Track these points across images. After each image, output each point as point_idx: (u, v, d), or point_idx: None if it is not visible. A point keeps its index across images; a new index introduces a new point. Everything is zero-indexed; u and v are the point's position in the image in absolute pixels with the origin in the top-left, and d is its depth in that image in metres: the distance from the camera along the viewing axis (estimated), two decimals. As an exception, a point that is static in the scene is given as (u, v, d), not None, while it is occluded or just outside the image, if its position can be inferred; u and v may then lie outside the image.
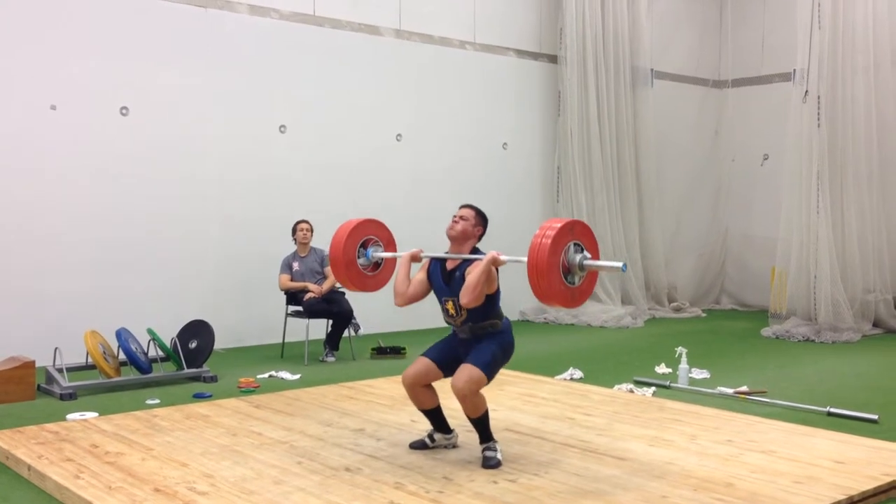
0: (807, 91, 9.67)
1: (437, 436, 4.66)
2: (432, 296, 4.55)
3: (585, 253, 4.07)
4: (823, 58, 9.58)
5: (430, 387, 4.52)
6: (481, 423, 4.37)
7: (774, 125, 11.37)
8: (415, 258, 4.58)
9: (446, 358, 4.45)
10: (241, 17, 8.44)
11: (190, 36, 8.14)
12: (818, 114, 9.59)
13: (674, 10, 12.22)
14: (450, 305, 4.37)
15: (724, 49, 12.69)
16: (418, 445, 4.65)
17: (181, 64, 8.10)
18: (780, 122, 10.79)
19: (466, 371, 4.22)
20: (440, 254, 4.49)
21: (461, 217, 4.43)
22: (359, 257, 4.90)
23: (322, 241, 8.03)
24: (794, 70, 9.93)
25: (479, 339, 4.38)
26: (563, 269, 3.99)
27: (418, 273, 4.54)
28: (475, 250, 4.43)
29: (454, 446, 4.68)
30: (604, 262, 4.08)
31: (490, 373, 4.29)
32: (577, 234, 4.07)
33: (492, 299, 4.35)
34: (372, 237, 4.96)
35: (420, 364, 4.47)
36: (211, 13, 8.24)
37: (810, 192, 9.63)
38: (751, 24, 12.38)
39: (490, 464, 4.31)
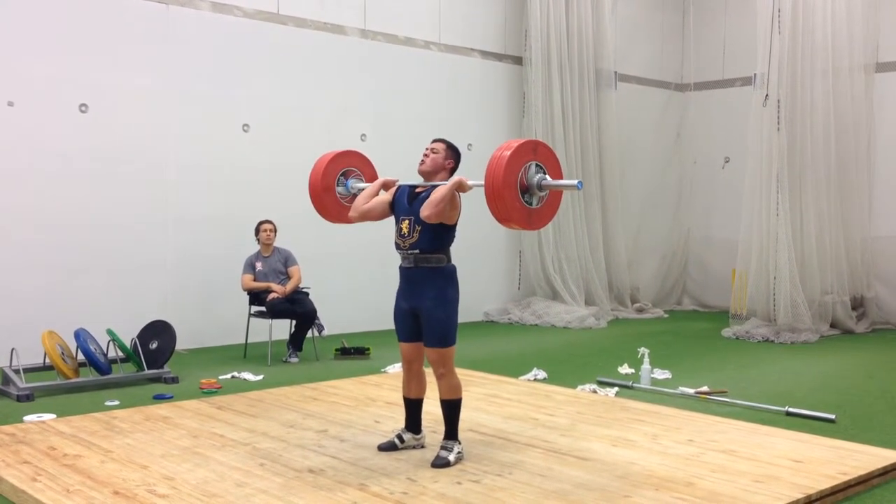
0: (767, 95, 9.81)
1: (406, 436, 4.66)
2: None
3: (546, 175, 4.06)
4: (783, 62, 9.73)
5: (423, 375, 4.59)
6: (451, 412, 4.40)
7: (735, 128, 11.52)
8: (387, 186, 4.61)
9: (411, 328, 4.47)
10: (203, 15, 8.35)
11: (151, 33, 8.04)
12: (778, 117, 9.73)
13: (637, 14, 12.32)
14: (405, 224, 4.38)
15: (686, 53, 12.83)
16: (387, 447, 4.64)
17: (142, 61, 8.00)
18: (740, 125, 10.93)
19: (431, 355, 4.36)
20: (414, 182, 4.50)
21: (431, 150, 4.47)
22: (339, 186, 4.87)
23: (285, 241, 8.00)
24: (755, 74, 10.07)
25: (421, 277, 4.37)
26: (521, 188, 3.98)
27: (383, 195, 4.57)
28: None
29: (422, 447, 4.67)
30: (559, 181, 4.07)
31: (450, 341, 4.36)
32: (540, 155, 4.04)
33: (446, 232, 4.38)
34: (354, 169, 4.93)
35: (404, 350, 4.54)
36: (173, 10, 8.15)
37: (770, 195, 9.76)
38: (712, 28, 12.54)
39: (438, 463, 4.33)
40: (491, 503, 3.81)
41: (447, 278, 4.40)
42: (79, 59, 7.63)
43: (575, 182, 4.04)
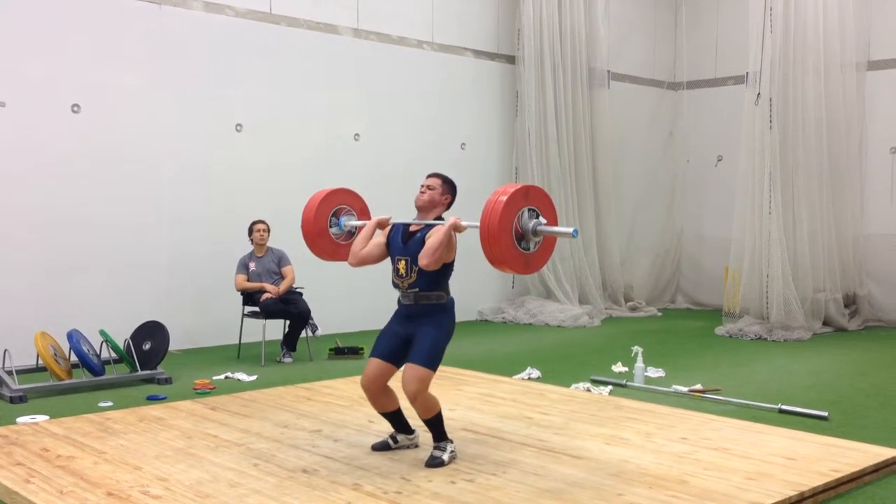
0: (759, 93, 9.83)
1: (399, 437, 4.66)
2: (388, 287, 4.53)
3: (541, 219, 4.06)
4: (775, 61, 9.75)
5: (388, 390, 4.49)
6: (434, 425, 4.38)
7: (728, 127, 11.54)
8: (382, 224, 4.60)
9: (393, 349, 4.42)
10: (195, 14, 8.33)
11: (144, 33, 8.02)
12: (770, 116, 9.75)
13: (629, 13, 12.33)
14: (401, 265, 4.37)
15: (678, 52, 12.84)
16: (380, 447, 4.64)
17: (134, 61, 7.98)
18: (733, 123, 10.95)
19: (410, 371, 4.24)
20: (407, 220, 4.51)
21: (428, 186, 4.46)
22: (331, 226, 4.89)
23: (279, 241, 7.99)
24: (747, 73, 10.08)
25: (421, 312, 4.36)
26: (516, 234, 3.99)
27: (378, 237, 4.55)
28: (440, 218, 4.43)
29: (416, 446, 4.68)
30: (555, 228, 4.07)
31: (434, 364, 4.29)
32: (532, 199, 4.04)
33: (444, 270, 4.36)
34: (344, 206, 4.96)
35: (372, 366, 4.43)
36: (165, 10, 8.13)
37: (762, 193, 9.78)
38: (705, 27, 12.56)
39: (433, 462, 4.33)
40: (485, 502, 3.81)
41: (446, 311, 4.40)
42: (71, 59, 7.61)
43: (570, 230, 4.02)
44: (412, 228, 4.44)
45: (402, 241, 4.42)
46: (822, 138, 10.07)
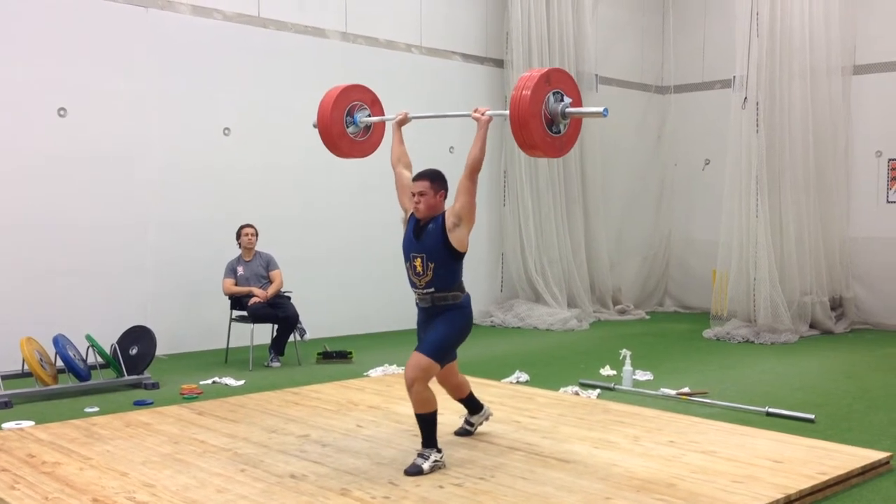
0: (746, 97, 9.87)
1: (472, 419, 4.99)
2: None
3: (566, 100, 4.07)
4: (762, 65, 9.80)
5: (454, 383, 4.81)
6: (425, 424, 4.36)
7: (715, 131, 11.59)
8: (403, 122, 4.92)
9: None
10: (183, 18, 8.31)
11: (130, 36, 7.99)
12: (757, 119, 9.80)
13: (617, 17, 12.37)
14: (418, 263, 4.40)
15: (666, 56, 12.89)
16: (461, 433, 5.01)
17: (121, 64, 7.95)
18: (720, 127, 10.99)
19: (412, 359, 4.33)
20: (425, 113, 4.65)
21: (420, 194, 4.44)
22: (347, 126, 4.98)
23: (266, 244, 7.98)
24: (734, 77, 10.12)
25: (438, 311, 4.43)
26: (546, 122, 4.00)
27: (407, 179, 4.68)
28: (443, 210, 4.48)
29: (487, 418, 5.08)
30: (583, 109, 4.11)
31: (438, 356, 4.37)
32: (554, 82, 4.06)
33: (458, 264, 4.43)
34: (356, 102, 5.04)
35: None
36: (152, 13, 8.10)
37: (749, 196, 9.83)
38: (692, 31, 12.61)
39: (412, 470, 4.25)
40: (473, 507, 3.81)
41: (461, 309, 4.47)
42: (56, 62, 7.57)
43: (600, 109, 4.05)
44: (423, 221, 4.43)
45: (415, 236, 4.44)
46: (809, 142, 10.13)
